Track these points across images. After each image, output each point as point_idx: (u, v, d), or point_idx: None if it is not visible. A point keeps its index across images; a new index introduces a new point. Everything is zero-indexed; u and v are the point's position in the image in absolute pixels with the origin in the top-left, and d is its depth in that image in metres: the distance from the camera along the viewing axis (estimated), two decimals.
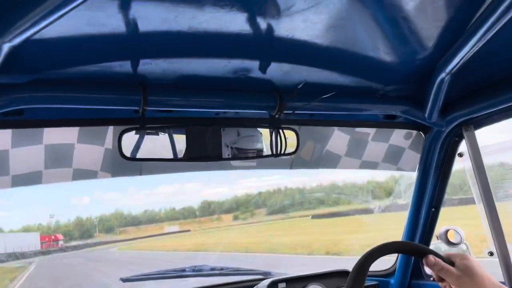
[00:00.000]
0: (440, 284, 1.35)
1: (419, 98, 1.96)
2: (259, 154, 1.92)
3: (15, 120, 1.58)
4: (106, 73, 1.50)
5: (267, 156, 1.87)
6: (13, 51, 1.17)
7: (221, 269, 2.46)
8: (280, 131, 1.81)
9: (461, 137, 2.18)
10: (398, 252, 2.17)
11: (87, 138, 1.83)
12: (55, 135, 1.75)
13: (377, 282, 2.49)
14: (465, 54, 1.52)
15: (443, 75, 1.70)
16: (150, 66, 1.49)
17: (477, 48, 1.47)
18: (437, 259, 1.29)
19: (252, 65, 1.58)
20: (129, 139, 1.71)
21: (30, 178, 1.79)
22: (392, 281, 2.56)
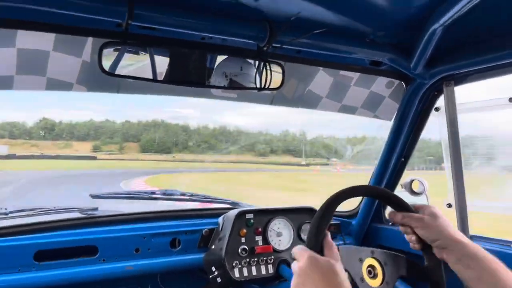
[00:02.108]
0: (405, 234, 1.43)
1: (408, 47, 1.95)
2: (233, 87, 1.89)
3: None
4: None
5: (251, 88, 1.84)
6: None
7: (191, 195, 2.50)
8: (266, 64, 1.77)
9: (440, 92, 2.21)
10: (368, 196, 2.25)
11: (64, 47, 1.73)
12: (29, 40, 1.65)
13: (339, 222, 2.61)
14: (461, 8, 1.50)
15: (436, 25, 1.68)
16: None
17: (475, 2, 1.44)
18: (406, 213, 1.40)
19: None
20: (109, 54, 1.63)
21: (1, 82, 1.71)
22: (353, 222, 2.68)
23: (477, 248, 1.31)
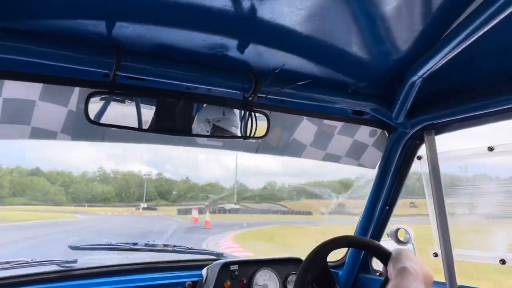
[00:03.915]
0: None
1: (389, 98, 2.01)
2: (219, 135, 1.91)
3: None
4: (79, 31, 1.43)
5: (236, 137, 1.86)
6: None
7: (174, 246, 2.44)
8: (252, 113, 1.80)
9: (422, 141, 2.26)
10: (360, 249, 2.21)
11: (51, 97, 1.74)
12: (16, 89, 1.66)
13: None
14: (438, 61, 1.57)
15: (414, 78, 1.74)
16: (127, 30, 1.44)
17: (449, 57, 1.51)
18: None
19: (230, 44, 1.56)
20: (95, 103, 1.65)
21: None
22: (340, 272, 2.63)
23: None
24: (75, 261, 2.17)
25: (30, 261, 2.12)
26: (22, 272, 2.01)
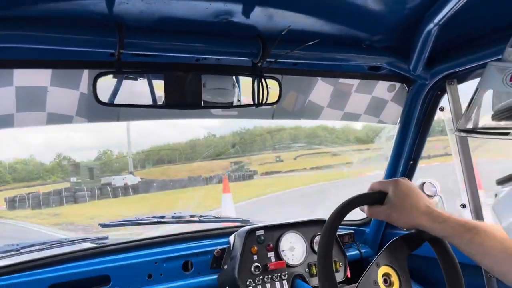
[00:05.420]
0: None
1: (405, 49, 1.92)
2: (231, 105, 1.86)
3: None
4: (80, 12, 1.41)
5: (248, 105, 1.83)
6: None
7: (201, 216, 2.48)
8: (262, 80, 1.76)
9: (443, 91, 2.17)
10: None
11: (61, 82, 1.75)
12: (26, 77, 1.68)
13: (352, 231, 2.56)
14: (455, 5, 1.48)
15: (431, 25, 1.66)
16: (126, 6, 1.40)
17: None
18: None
19: (235, 9, 1.51)
20: (106, 84, 1.64)
21: (1, 121, 1.73)
22: (367, 230, 2.64)
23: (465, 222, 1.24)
24: (106, 238, 2.25)
25: (64, 240, 2.22)
26: (58, 252, 2.10)
